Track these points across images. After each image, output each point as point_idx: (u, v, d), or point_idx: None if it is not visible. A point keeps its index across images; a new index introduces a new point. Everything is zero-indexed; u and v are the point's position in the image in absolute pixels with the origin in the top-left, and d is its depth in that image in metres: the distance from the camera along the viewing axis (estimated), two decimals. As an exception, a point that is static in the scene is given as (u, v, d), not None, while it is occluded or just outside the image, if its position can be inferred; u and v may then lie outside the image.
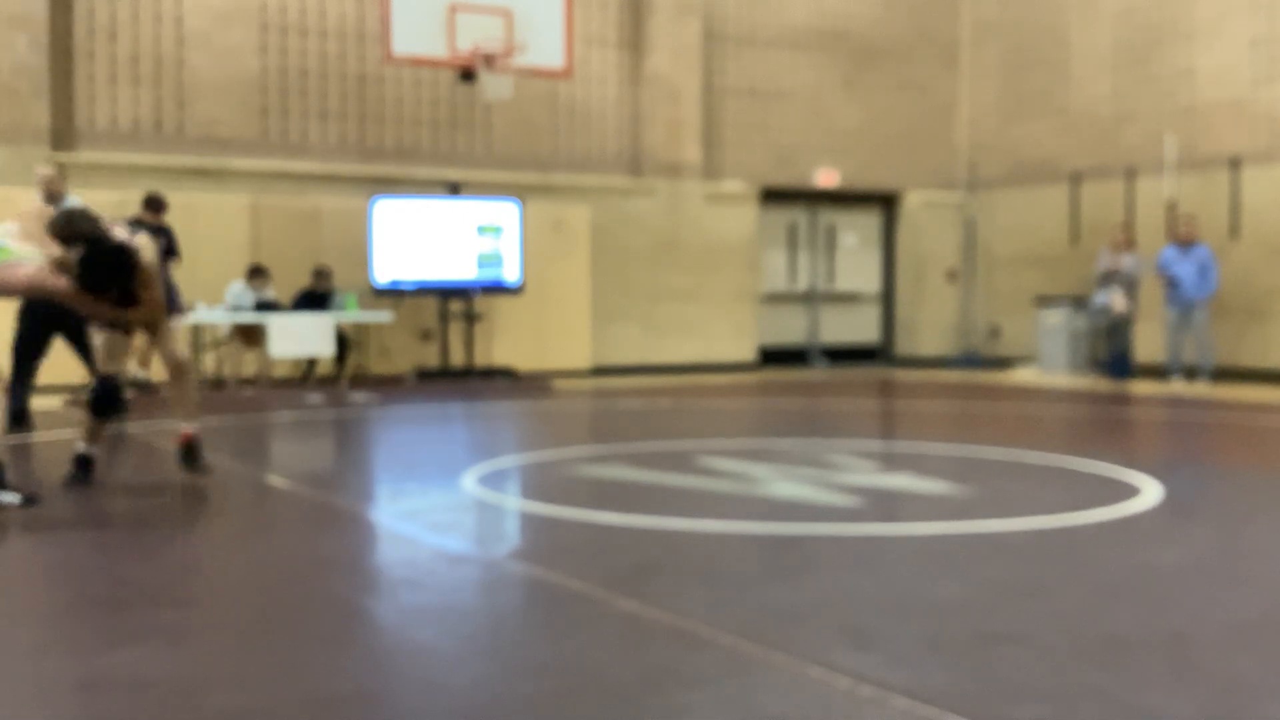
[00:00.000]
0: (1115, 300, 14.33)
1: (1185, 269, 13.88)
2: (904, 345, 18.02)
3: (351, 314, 13.08)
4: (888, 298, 18.22)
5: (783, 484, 6.28)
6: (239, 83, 13.73)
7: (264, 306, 12.59)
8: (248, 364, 12.92)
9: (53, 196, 8.66)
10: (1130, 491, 6.06)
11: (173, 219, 11.76)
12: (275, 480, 6.71)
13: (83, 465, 6.21)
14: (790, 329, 17.49)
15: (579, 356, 15.23)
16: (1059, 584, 4.27)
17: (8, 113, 12.52)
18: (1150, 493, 6.02)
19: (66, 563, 4.66)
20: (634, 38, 15.96)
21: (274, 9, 13.92)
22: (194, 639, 3.62)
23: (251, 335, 12.72)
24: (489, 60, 12.88)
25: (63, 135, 12.94)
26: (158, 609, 3.94)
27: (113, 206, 12.68)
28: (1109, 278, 14.47)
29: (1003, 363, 16.86)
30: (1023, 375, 15.42)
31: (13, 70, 12.52)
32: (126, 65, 13.25)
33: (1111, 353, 14.69)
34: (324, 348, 12.71)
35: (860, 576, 4.34)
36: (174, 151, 13.36)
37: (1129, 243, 14.58)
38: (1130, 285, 14.39)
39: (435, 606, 4.07)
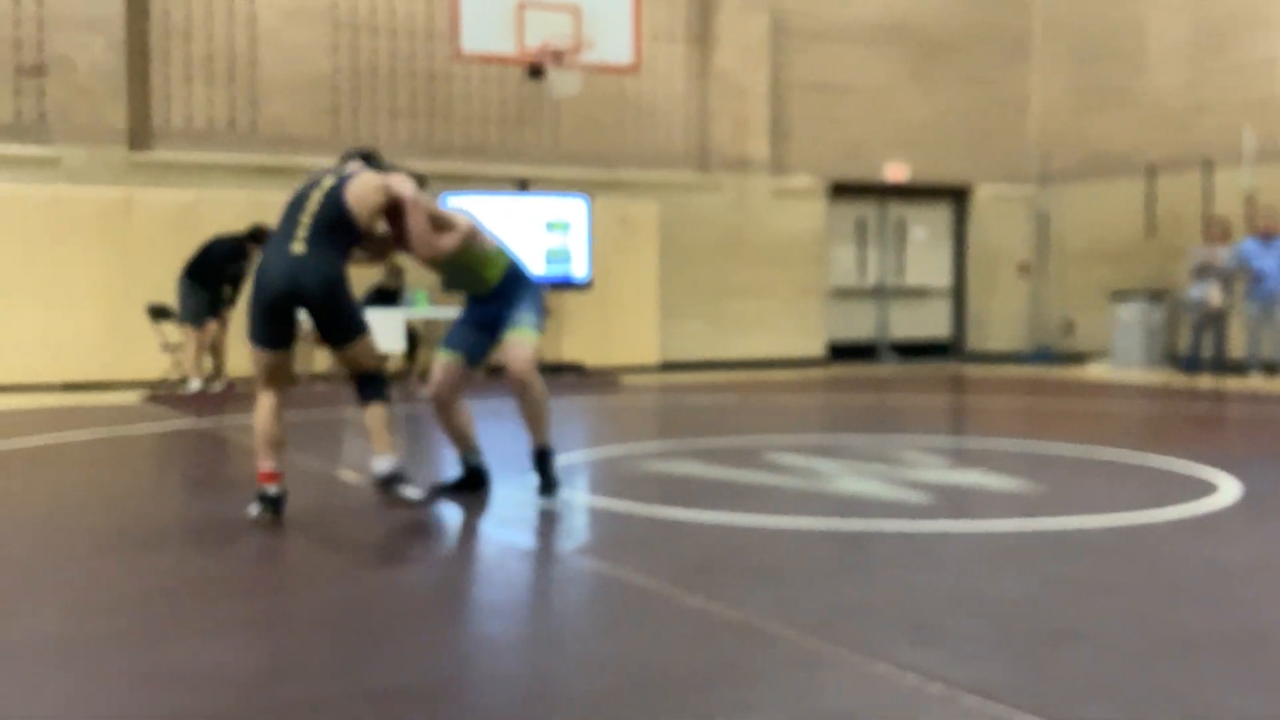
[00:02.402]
0: (1212, 294, 14.00)
1: (1268, 263, 13.57)
2: (975, 340, 17.82)
3: (422, 310, 13.19)
4: (958, 292, 18.03)
5: (851, 480, 6.24)
6: (310, 81, 13.91)
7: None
8: (320, 360, 13.08)
9: None
10: (1207, 488, 5.95)
11: (245, 217, 11.97)
12: (347, 475, 6.77)
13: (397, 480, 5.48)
14: (859, 324, 17.37)
15: (646, 352, 15.24)
16: (1130, 582, 4.21)
17: (86, 113, 12.78)
18: (1227, 490, 5.90)
19: (140, 557, 4.74)
20: (701, 33, 15.93)
21: (344, 8, 14.08)
22: (265, 631, 3.67)
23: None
24: (557, 57, 12.91)
25: (138, 135, 13.18)
26: (229, 601, 4.00)
27: (186, 205, 12.93)
28: (1204, 271, 14.14)
29: (1076, 358, 16.61)
30: (1096, 371, 15.18)
31: (90, 71, 12.78)
32: (200, 65, 13.47)
33: (1192, 347, 14.36)
34: (395, 343, 12.83)
35: (928, 573, 4.29)
36: (246, 150, 13.57)
37: (1224, 235, 14.23)
38: (1226, 278, 14.05)
39: (502, 600, 4.09)
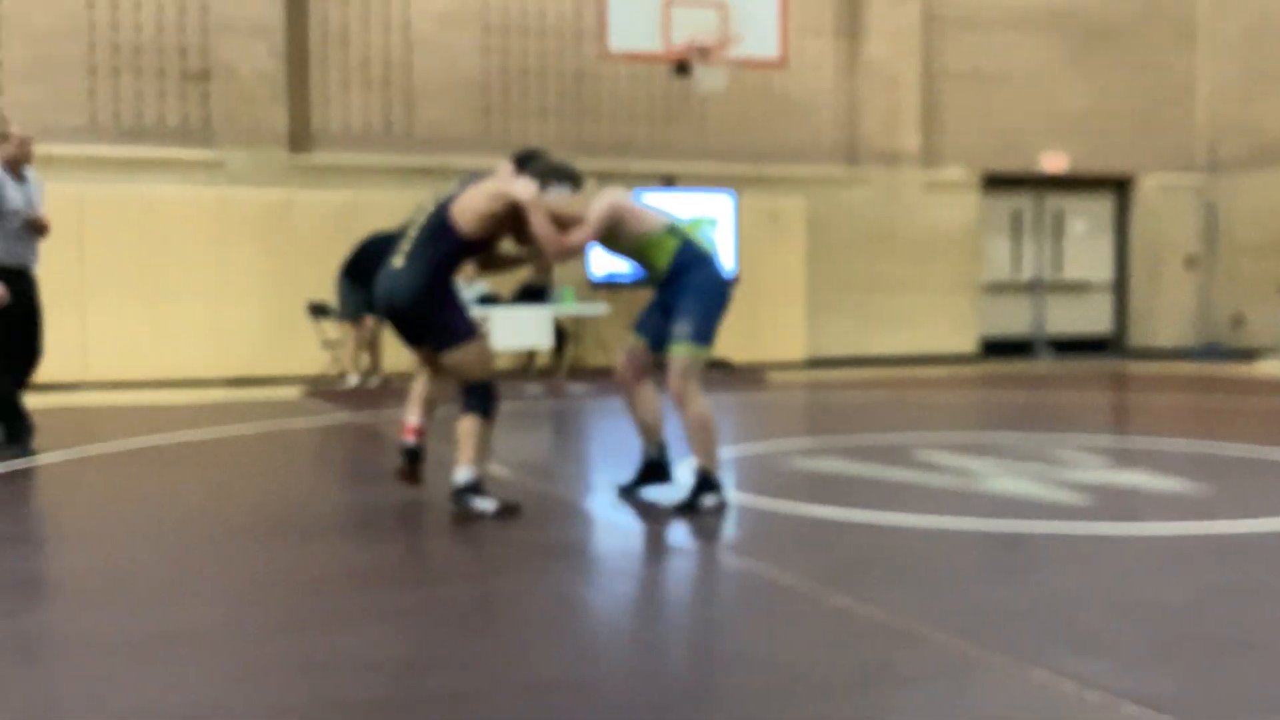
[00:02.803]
0: None
1: None
2: (1138, 336, 17.20)
3: (569, 307, 13.32)
4: (1120, 287, 17.43)
5: (1005, 480, 6.07)
6: (462, 83, 14.16)
7: (486, 301, 12.94)
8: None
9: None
10: None
11: (400, 217, 12.24)
12: (496, 469, 6.84)
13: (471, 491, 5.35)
14: (1014, 320, 16.93)
15: (793, 348, 15.12)
16: None
17: (249, 117, 13.23)
18: None
19: (297, 547, 4.86)
20: (850, 25, 15.71)
21: (495, 10, 14.30)
22: (417, 622, 3.71)
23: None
24: (704, 53, 12.89)
25: (299, 138, 13.60)
26: (383, 592, 4.07)
27: (344, 206, 13.29)
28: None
29: (1247, 354, 15.90)
30: (1267, 367, 14.49)
31: (253, 77, 13.23)
32: (358, 70, 13.84)
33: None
34: (543, 340, 12.97)
35: (1087, 577, 4.14)
36: (402, 152, 13.89)
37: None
38: None
39: (648, 596, 4.09)
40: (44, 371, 12.21)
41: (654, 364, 5.62)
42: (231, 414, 9.85)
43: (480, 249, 5.41)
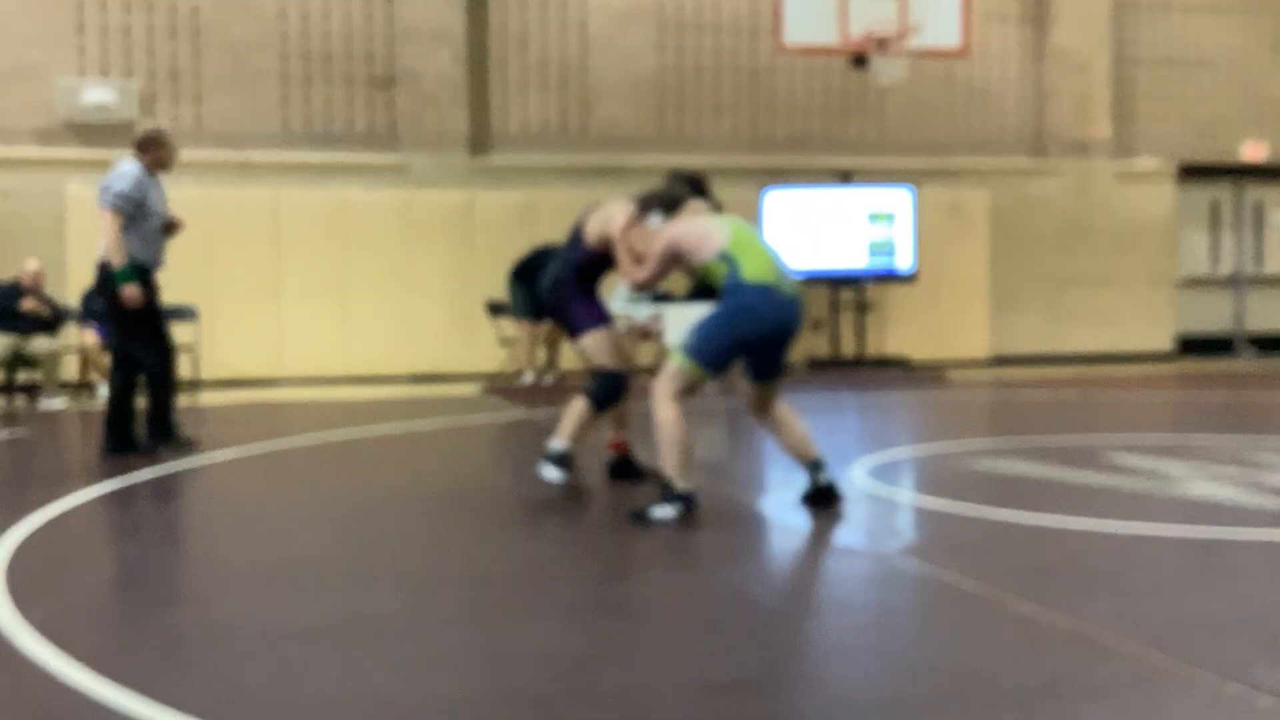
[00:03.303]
0: None
1: None
2: (1349, 333, 16.22)
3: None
4: (1327, 281, 16.46)
5: (1202, 484, 5.80)
6: (638, 82, 14.24)
7: (659, 298, 12.96)
8: (644, 354, 13.35)
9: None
10: None
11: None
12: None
13: (565, 462, 5.77)
14: (1213, 316, 16.14)
15: (976, 346, 14.74)
16: None
17: (432, 121, 13.57)
18: None
19: (474, 542, 4.95)
20: (1036, 11, 15.23)
21: (671, 7, 14.33)
22: (590, 617, 3.74)
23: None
24: (882, 44, 12.66)
25: (479, 140, 13.89)
26: (559, 589, 4.11)
27: (523, 206, 13.52)
28: None
29: None
30: None
31: (436, 81, 13.56)
32: (536, 71, 14.05)
33: None
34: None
35: (1277, 588, 3.93)
36: (579, 151, 14.05)
37: None
38: None
39: (823, 599, 4.04)
40: (242, 367, 12.84)
41: (765, 395, 5.44)
42: (415, 409, 10.12)
43: (608, 262, 5.89)
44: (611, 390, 5.75)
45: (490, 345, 12.96)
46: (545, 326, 12.19)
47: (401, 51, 13.61)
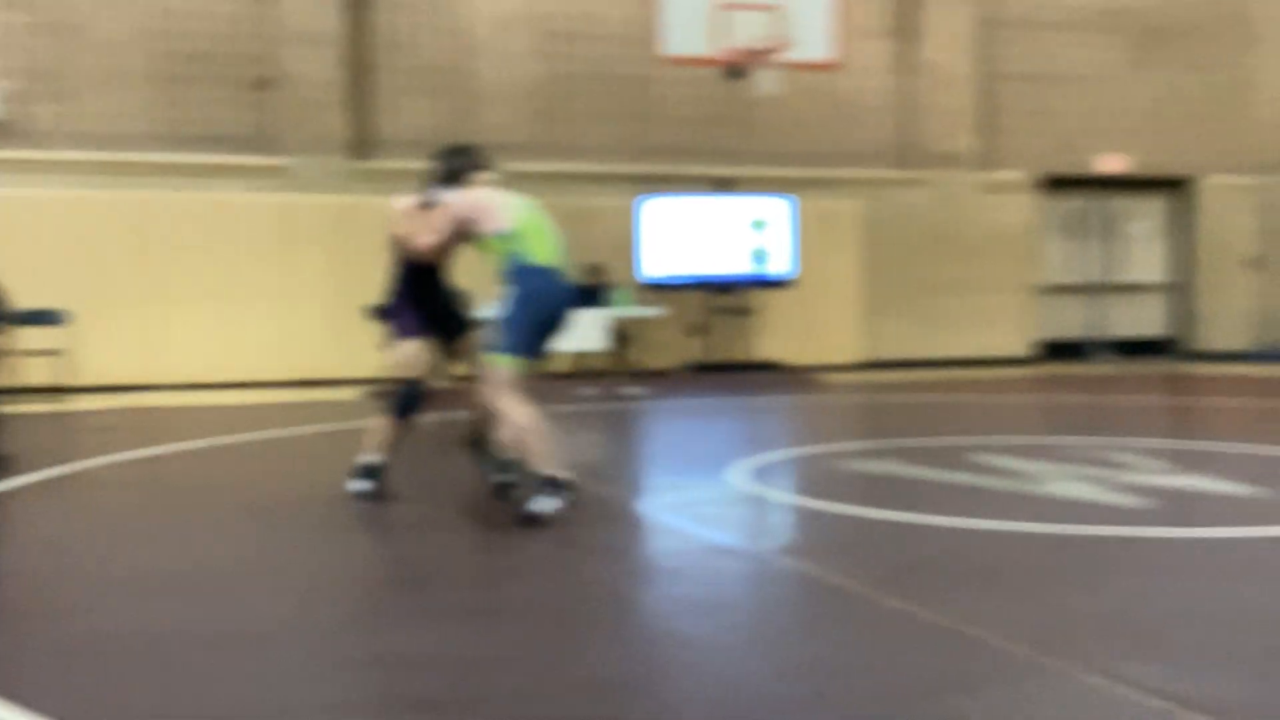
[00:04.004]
0: None
1: None
2: (1198, 338, 17.02)
3: (625, 309, 13.40)
4: (1179, 288, 17.25)
5: (1064, 483, 6.06)
6: (520, 88, 14.30)
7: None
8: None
9: None
10: None
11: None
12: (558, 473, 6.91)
13: (372, 474, 5.95)
14: (1071, 322, 16.81)
15: (848, 350, 15.12)
16: None
17: (312, 124, 13.45)
18: None
19: (360, 548, 5.00)
20: (905, 26, 15.69)
21: (553, 16, 14.43)
22: (477, 621, 3.78)
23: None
24: (758, 56, 12.93)
25: (360, 144, 13.80)
26: (445, 593, 4.16)
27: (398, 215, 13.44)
28: None
29: (1310, 357, 15.69)
30: (1333, 370, 14.31)
31: (316, 84, 13.44)
32: (418, 76, 14.01)
33: None
34: (598, 342, 13.06)
35: (1149, 582, 4.15)
36: (461, 156, 14.02)
37: None
38: None
39: (703, 599, 4.11)
40: (116, 373, 12.55)
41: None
42: (295, 415, 10.04)
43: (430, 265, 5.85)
44: (409, 401, 5.91)
45: (371, 350, 12.86)
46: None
47: (280, 53, 13.44)
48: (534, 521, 5.08)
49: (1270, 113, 16.78)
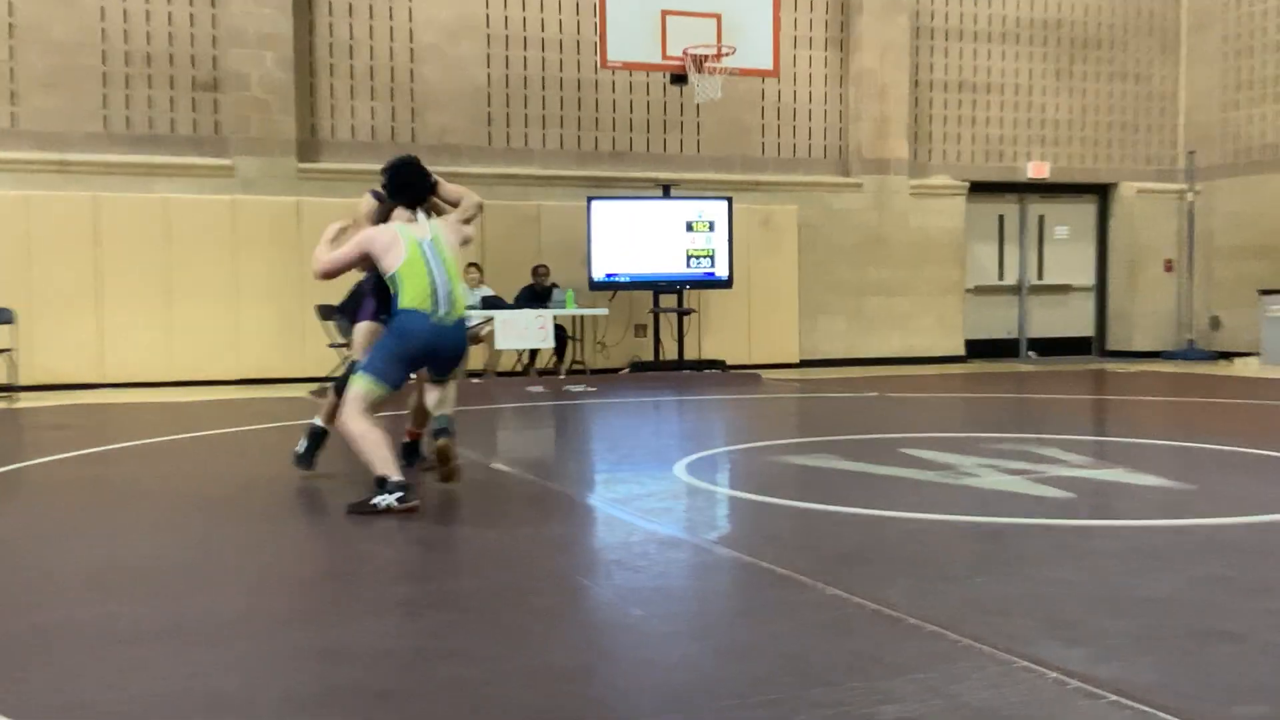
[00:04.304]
0: None
1: None
2: (1118, 338, 17.59)
3: (570, 309, 13.65)
4: (1101, 290, 17.81)
5: (991, 476, 6.24)
6: (467, 92, 14.48)
7: (489, 303, 13.27)
8: (474, 357, 13.61)
9: None
10: None
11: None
12: (500, 466, 7.04)
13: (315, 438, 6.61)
14: (998, 322, 17.30)
15: (787, 350, 15.45)
16: None
17: (259, 125, 13.55)
18: None
19: (309, 542, 5.09)
20: (842, 36, 16.07)
21: (498, 21, 14.61)
22: (426, 613, 3.83)
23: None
24: (699, 63, 13.22)
25: (307, 146, 13.91)
26: (393, 585, 4.24)
27: (351, 212, 13.55)
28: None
29: (1223, 356, 16.30)
30: (1245, 367, 14.89)
31: (263, 85, 13.54)
32: (365, 79, 14.15)
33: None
34: (545, 341, 13.30)
35: (1070, 570, 4.27)
36: (406, 158, 14.15)
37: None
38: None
39: (647, 588, 4.13)
40: (63, 371, 12.55)
41: (437, 383, 6.17)
42: (244, 412, 10.10)
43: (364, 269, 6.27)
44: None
45: (321, 349, 13.00)
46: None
47: (227, 54, 13.52)
48: (364, 512, 5.36)
49: (1189, 122, 17.40)
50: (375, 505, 5.39)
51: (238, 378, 13.19)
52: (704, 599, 4.08)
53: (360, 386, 5.73)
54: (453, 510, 5.60)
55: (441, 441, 5.87)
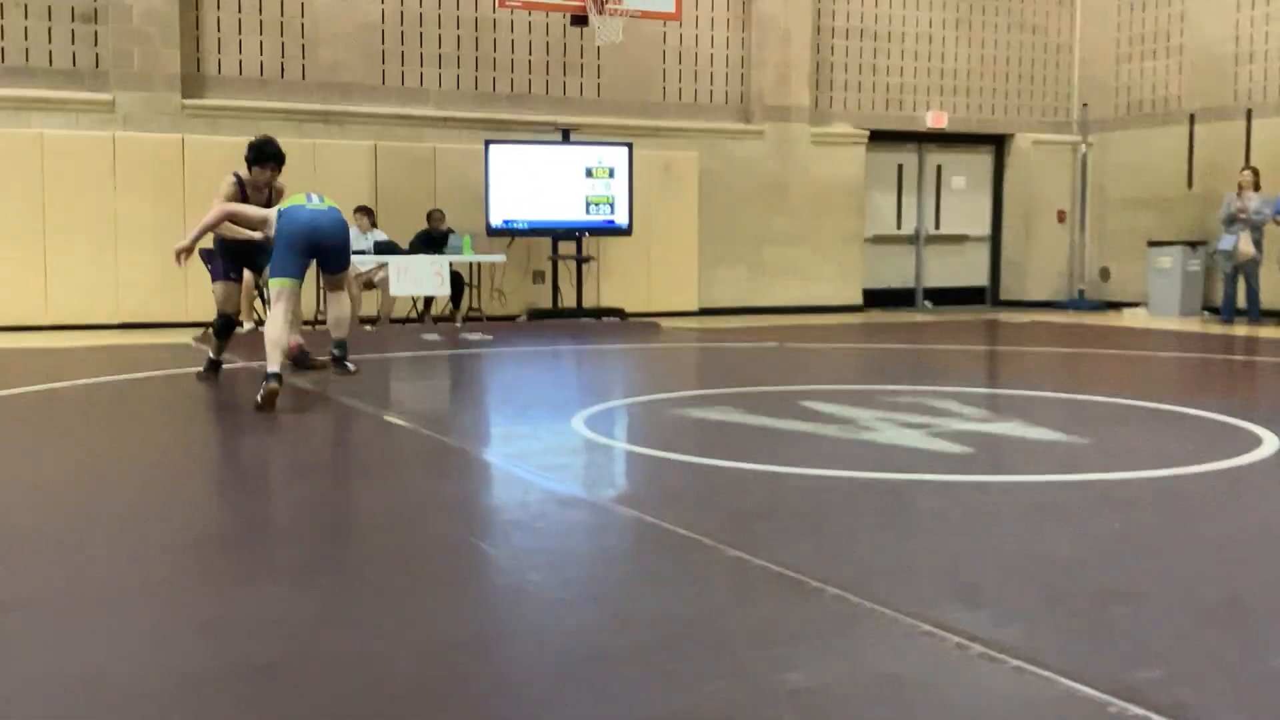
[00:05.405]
0: (1241, 243, 14.02)
1: (1304, 212, 13.60)
2: (1012, 288, 17.88)
3: (467, 255, 13.41)
4: (996, 240, 18.06)
5: (889, 430, 6.27)
6: (360, 29, 14.06)
7: (382, 249, 12.97)
8: (368, 303, 13.34)
9: None
10: (1250, 441, 5.91)
11: (295, 161, 12.13)
12: (393, 419, 6.89)
13: (215, 367, 8.35)
14: (896, 271, 17.46)
15: (686, 298, 15.42)
16: (1177, 541, 4.18)
17: (140, 60, 13.00)
18: (1270, 443, 5.84)
19: (191, 503, 4.84)
20: (744, -20, 15.92)
21: (393, -45, 14.18)
22: (313, 579, 3.69)
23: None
24: (600, 4, 12.99)
25: (192, 81, 13.40)
26: (281, 550, 4.07)
27: (237, 150, 13.10)
28: (1234, 220, 14.15)
29: (1112, 306, 16.66)
30: (1133, 318, 15.24)
31: (144, 17, 12.98)
32: (252, 13, 13.64)
33: (1226, 296, 14.44)
34: (441, 288, 13.07)
35: (970, 529, 4.28)
36: (297, 96, 13.75)
37: (1255, 185, 14.23)
38: (1255, 227, 14.07)
39: (545, 550, 4.06)
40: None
41: (331, 282, 8.14)
42: (123, 360, 9.76)
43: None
44: (223, 328, 8.19)
45: (204, 293, 12.59)
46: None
47: (106, -17, 12.93)
48: (261, 402, 6.71)
49: (1083, 74, 17.63)
50: (263, 390, 6.79)
51: (118, 322, 12.73)
52: (603, 563, 3.99)
53: (275, 286, 7.36)
54: (343, 467, 5.47)
55: (323, 360, 8.01)
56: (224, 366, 8.43)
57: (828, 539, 4.14)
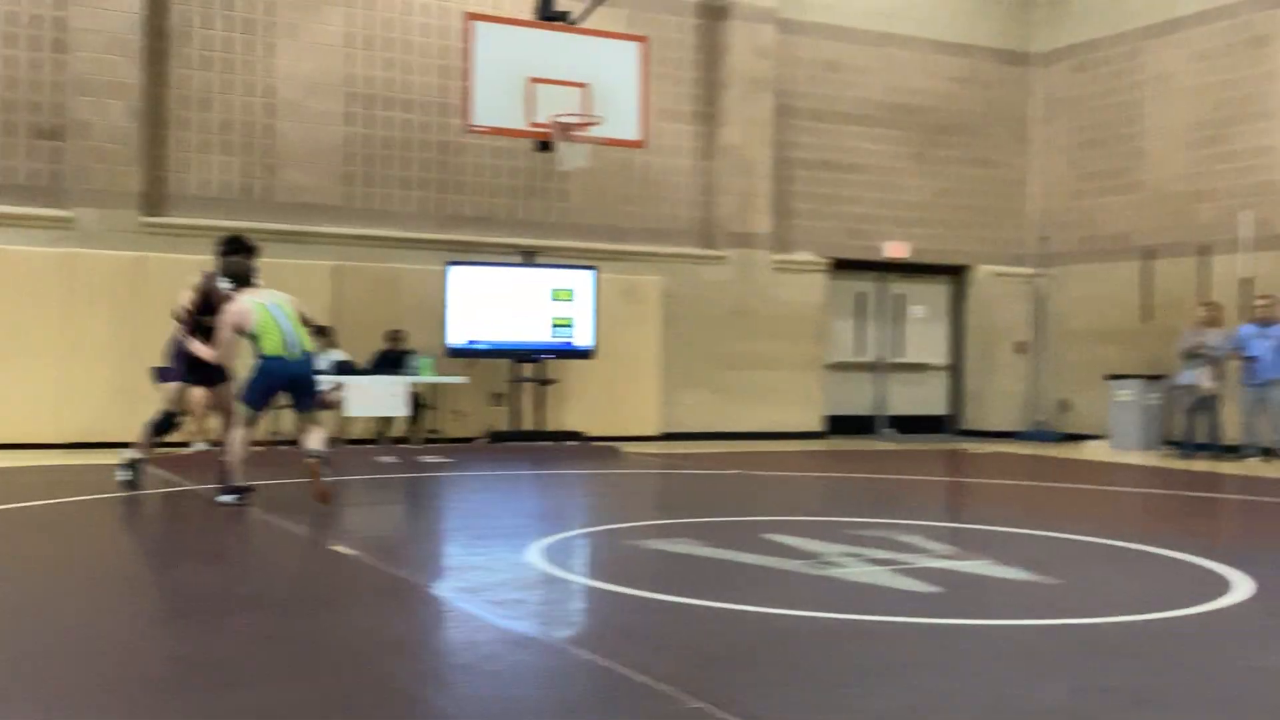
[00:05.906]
0: (1201, 378, 14.10)
1: (1262, 347, 13.70)
2: (972, 417, 17.90)
3: (426, 376, 13.28)
4: (956, 369, 18.13)
5: (855, 566, 6.15)
6: (325, 151, 14.10)
7: (343, 368, 12.82)
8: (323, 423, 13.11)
9: None
10: (1220, 584, 5.85)
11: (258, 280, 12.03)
12: (342, 548, 6.71)
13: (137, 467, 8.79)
14: (856, 398, 17.45)
15: (649, 422, 15.31)
16: (1165, 689, 4.10)
17: (103, 177, 12.94)
18: (1241, 586, 5.79)
19: (120, 636, 4.65)
20: (708, 111, 16.16)
21: (360, 80, 14.30)
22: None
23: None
24: (566, 130, 13.10)
25: (154, 200, 13.33)
26: (215, 691, 3.86)
27: (199, 269, 13.00)
28: (1193, 355, 14.26)
29: (1072, 437, 16.67)
30: (1094, 451, 15.24)
31: (108, 135, 12.96)
32: (218, 132, 13.66)
33: (1186, 430, 14.47)
34: (399, 409, 12.90)
35: (948, 676, 4.16)
36: (261, 216, 13.68)
37: (1213, 319, 14.37)
38: (1215, 362, 14.17)
39: (494, 698, 3.88)
40: None
41: (303, 421, 8.50)
42: (67, 481, 9.53)
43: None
44: (163, 423, 8.76)
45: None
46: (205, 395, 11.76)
47: (71, 102, 12.91)
48: (221, 506, 7.73)
49: (1038, 208, 17.93)
50: (222, 501, 7.90)
51: (65, 441, 12.43)
52: (554, 713, 3.78)
53: (246, 412, 8.28)
54: (282, 600, 5.24)
55: (312, 461, 8.05)
56: (148, 472, 8.96)
57: (795, 688, 3.97)
